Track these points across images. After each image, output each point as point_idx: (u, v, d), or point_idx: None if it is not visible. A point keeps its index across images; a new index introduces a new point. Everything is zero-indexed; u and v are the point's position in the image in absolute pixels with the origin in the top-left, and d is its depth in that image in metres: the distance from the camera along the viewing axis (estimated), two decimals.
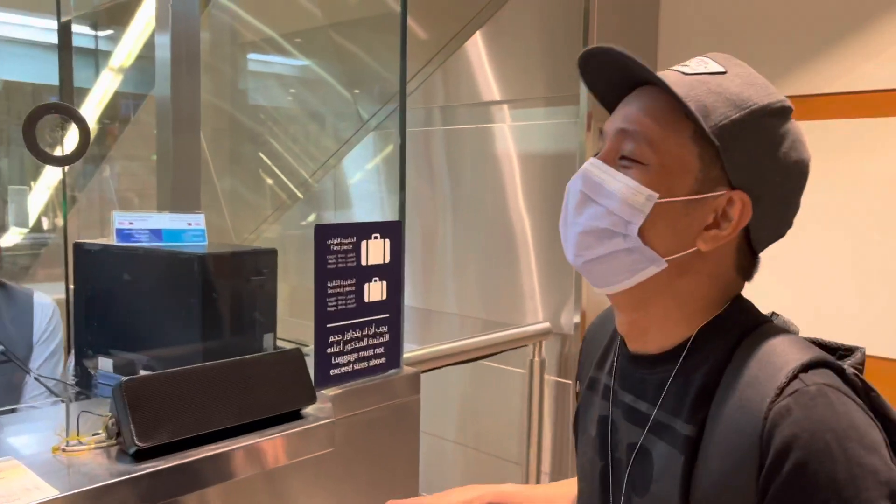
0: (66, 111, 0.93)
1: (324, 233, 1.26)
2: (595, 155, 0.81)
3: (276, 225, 3.49)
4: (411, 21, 2.85)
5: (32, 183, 4.18)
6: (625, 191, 0.75)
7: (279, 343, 1.50)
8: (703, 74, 0.76)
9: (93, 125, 4.52)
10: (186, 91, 1.78)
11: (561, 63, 2.35)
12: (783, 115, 0.76)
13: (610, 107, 0.84)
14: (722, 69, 0.77)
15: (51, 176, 4.36)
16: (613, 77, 0.80)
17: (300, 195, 3.38)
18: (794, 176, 0.77)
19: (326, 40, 3.39)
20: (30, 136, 0.88)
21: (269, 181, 3.57)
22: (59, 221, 4.49)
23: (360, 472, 1.31)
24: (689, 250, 0.76)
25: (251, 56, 3.87)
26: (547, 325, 2.19)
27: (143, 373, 1.44)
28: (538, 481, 2.25)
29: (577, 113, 2.20)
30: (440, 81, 2.77)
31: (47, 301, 1.75)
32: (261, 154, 3.62)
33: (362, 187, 3.17)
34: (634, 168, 0.76)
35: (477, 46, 2.65)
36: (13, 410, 1.57)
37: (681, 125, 0.74)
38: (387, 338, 1.39)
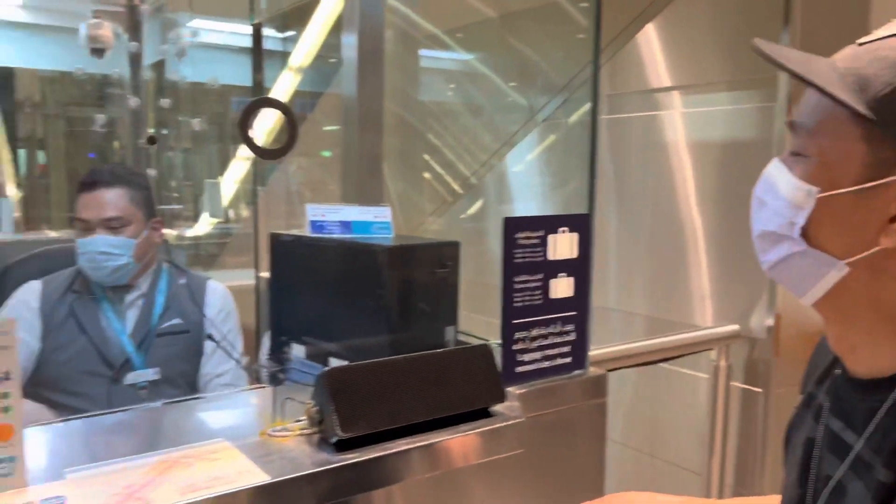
0: (279, 106, 0.95)
1: (512, 226, 1.23)
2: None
3: (441, 218, 3.53)
4: (578, 14, 2.76)
5: (220, 177, 4.53)
6: (787, 188, 0.68)
7: (459, 336, 1.50)
8: (877, 40, 0.65)
9: (273, 123, 4.82)
10: (371, 89, 1.82)
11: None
12: None
13: None
14: None
15: (235, 170, 4.70)
16: None
17: (464, 189, 3.40)
18: None
19: (494, 33, 3.37)
20: (244, 129, 0.91)
21: (436, 175, 3.61)
22: (244, 213, 4.84)
23: (544, 476, 1.27)
24: (873, 249, 0.65)
25: (420, 53, 3.94)
26: (735, 327, 2.03)
27: (332, 360, 1.49)
28: (721, 495, 2.10)
29: (774, 96, 2.02)
30: (606, 70, 2.67)
31: (220, 287, 1.87)
32: (427, 148, 3.68)
33: (525, 180, 3.13)
34: (799, 163, 0.69)
35: (647, 32, 2.52)
36: (195, 377, 1.70)
37: (839, 110, 0.65)
38: (573, 336, 1.34)
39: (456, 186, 3.44)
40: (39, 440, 1.02)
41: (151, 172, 3.94)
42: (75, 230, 1.68)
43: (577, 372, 1.34)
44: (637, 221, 2.52)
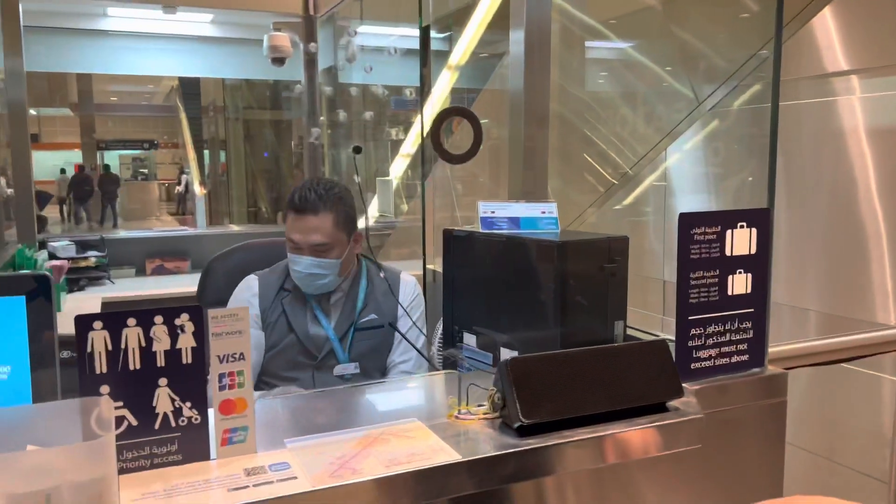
0: (465, 114, 1.02)
1: (688, 221, 1.23)
2: None
3: (601, 210, 3.51)
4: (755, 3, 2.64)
5: (393, 176, 4.77)
6: None
7: (628, 331, 1.51)
8: None
9: (429, 122, 4.99)
10: (538, 85, 1.86)
11: None
12: None
13: None
14: None
15: (395, 167, 4.92)
16: None
17: (625, 180, 3.36)
18: None
19: (659, 21, 3.29)
20: (435, 136, 0.99)
21: (595, 166, 3.59)
22: (404, 207, 5.06)
23: (720, 474, 1.27)
24: None
25: (577, 45, 3.92)
26: None
27: (503, 350, 1.56)
28: None
29: None
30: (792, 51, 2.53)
31: (411, 279, 1.98)
32: (586, 141, 3.66)
33: (690, 171, 3.04)
34: None
35: (822, 15, 2.37)
36: (384, 365, 1.83)
37: None
38: (750, 334, 1.32)
39: (615, 178, 3.40)
40: (262, 414, 1.17)
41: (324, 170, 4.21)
42: (287, 246, 1.82)
43: (754, 370, 1.32)
44: (810, 213, 2.39)
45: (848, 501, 0.94)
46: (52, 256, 3.48)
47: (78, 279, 3.61)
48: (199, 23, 4.19)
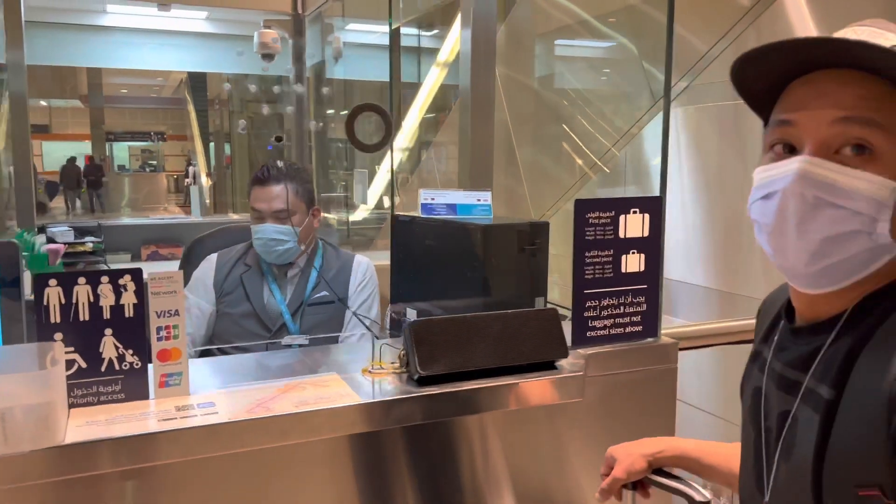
0: (376, 110, 1.20)
1: (583, 207, 1.40)
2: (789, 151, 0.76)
3: (571, 202, 3.66)
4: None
5: (377, 167, 4.95)
6: (869, 187, 0.70)
7: (550, 306, 1.68)
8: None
9: (421, 116, 5.16)
10: (483, 82, 2.03)
11: None
12: None
13: (757, 101, 0.81)
14: None
15: (389, 161, 5.09)
16: (784, 65, 0.76)
17: (595, 172, 3.51)
18: None
19: (630, 16, 3.44)
20: (350, 128, 1.16)
21: (567, 159, 3.75)
22: (398, 200, 5.23)
23: (613, 429, 1.43)
24: None
25: (559, 41, 4.08)
26: None
27: (421, 318, 1.73)
28: None
29: None
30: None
31: (365, 260, 2.17)
32: (559, 136, 3.82)
33: (655, 162, 3.19)
34: (865, 160, 0.71)
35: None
36: (336, 340, 2.02)
37: None
38: (644, 307, 1.48)
39: (584, 170, 3.56)
40: (205, 368, 1.35)
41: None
42: (252, 217, 2.05)
43: (648, 339, 1.49)
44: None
45: (680, 438, 1.11)
46: (50, 241, 3.68)
47: (75, 263, 3.81)
48: (194, 19, 4.38)
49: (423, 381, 1.22)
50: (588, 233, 1.41)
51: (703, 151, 3.00)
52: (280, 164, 2.04)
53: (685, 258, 3.05)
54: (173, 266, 3.98)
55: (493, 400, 1.24)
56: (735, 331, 1.82)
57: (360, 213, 5.04)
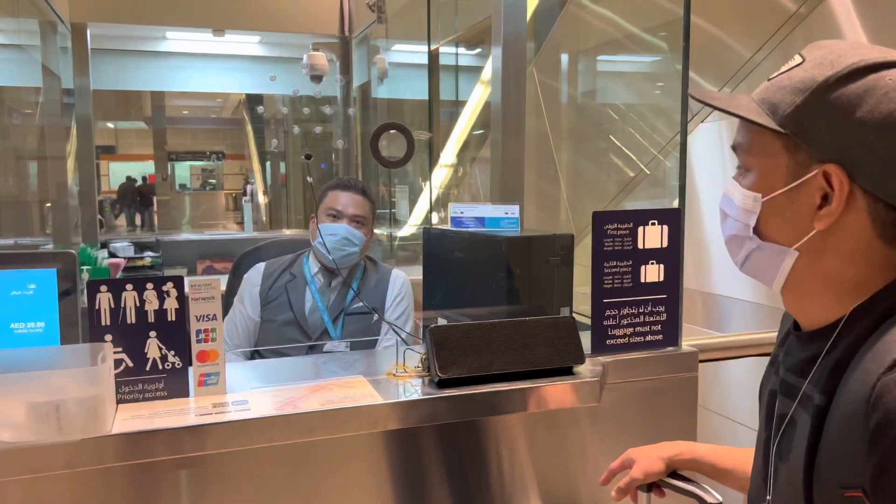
0: (399, 128, 1.28)
1: (601, 219, 1.45)
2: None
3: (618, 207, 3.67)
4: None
5: (424, 184, 5.05)
6: (739, 198, 0.85)
7: (575, 315, 1.73)
8: (781, 74, 0.83)
9: (466, 133, 5.25)
10: (513, 98, 2.09)
11: None
12: (854, 77, 0.76)
13: None
14: (800, 60, 0.82)
15: (435, 178, 5.20)
16: None
17: (633, 186, 3.53)
18: (890, 127, 0.76)
19: (671, 29, 3.45)
20: (374, 145, 1.24)
21: (610, 171, 3.78)
22: (444, 215, 5.32)
23: (634, 436, 1.47)
24: (811, 233, 0.81)
25: (602, 56, 4.11)
26: None
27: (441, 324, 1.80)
28: None
29: None
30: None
31: (401, 274, 2.26)
32: (597, 152, 3.85)
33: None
34: (744, 176, 0.86)
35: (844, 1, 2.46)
36: (373, 346, 2.12)
37: (761, 128, 0.82)
38: (664, 316, 1.52)
39: (622, 185, 3.58)
40: (244, 370, 1.45)
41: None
42: (325, 215, 2.15)
43: (669, 348, 1.52)
44: None
45: (697, 443, 1.15)
46: (111, 255, 3.90)
47: (135, 276, 4.01)
48: (248, 43, 4.59)
49: (442, 384, 1.28)
50: (606, 243, 1.45)
51: None
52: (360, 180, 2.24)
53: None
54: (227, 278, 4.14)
55: (509, 403, 1.30)
56: (757, 343, 1.83)
57: (408, 229, 5.15)
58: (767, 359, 2.02)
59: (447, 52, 4.54)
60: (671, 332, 1.53)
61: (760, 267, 0.87)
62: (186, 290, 1.21)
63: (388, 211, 5.04)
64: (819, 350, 0.83)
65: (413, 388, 1.29)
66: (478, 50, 4.75)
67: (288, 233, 7.02)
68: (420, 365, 1.35)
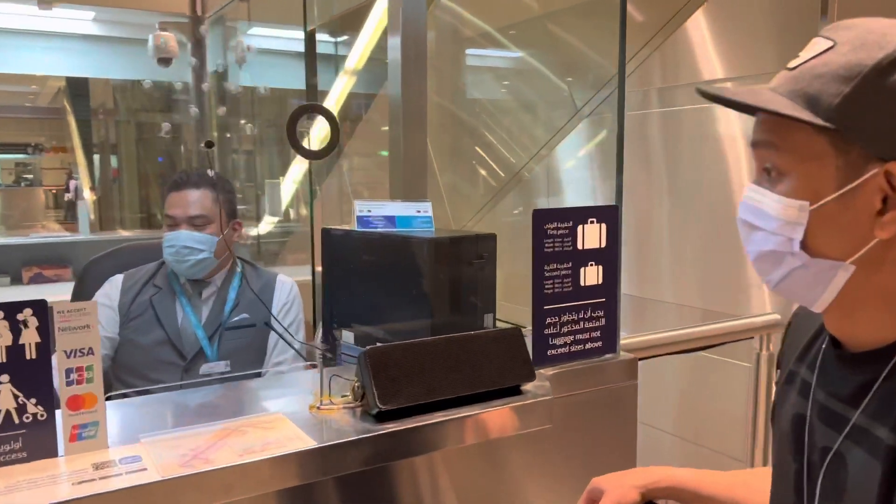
0: (321, 111, 1.06)
1: (541, 217, 1.31)
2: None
3: (490, 213, 3.61)
4: (629, 5, 2.79)
5: (281, 178, 4.73)
6: (777, 207, 0.73)
7: (498, 324, 1.58)
8: (809, 61, 0.72)
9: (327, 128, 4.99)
10: (415, 90, 1.91)
11: (798, 32, 2.18)
12: None
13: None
14: (830, 43, 0.71)
15: (295, 171, 4.89)
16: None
17: (514, 184, 3.47)
18: None
19: (541, 30, 3.43)
20: (291, 133, 1.02)
21: (485, 172, 3.70)
22: (304, 212, 5.02)
23: (577, 452, 1.35)
24: (871, 243, 0.70)
25: (469, 51, 4.03)
26: (776, 316, 2.06)
27: (378, 344, 1.59)
28: None
29: None
30: (657, 62, 2.69)
31: (288, 280, 2.01)
32: (477, 146, 3.76)
33: (574, 174, 3.18)
34: (778, 181, 0.73)
35: (698, 23, 2.54)
36: (258, 375, 1.85)
37: (798, 123, 0.70)
38: (603, 322, 1.41)
39: (507, 178, 3.51)
40: (119, 412, 1.16)
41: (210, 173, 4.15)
42: (165, 225, 1.86)
43: (608, 356, 1.41)
44: (691, 214, 2.55)
45: (674, 467, 1.04)
46: None
47: None
48: (79, 20, 4.03)
49: (382, 417, 1.08)
50: (547, 245, 1.32)
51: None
52: (201, 171, 1.91)
53: (639, 273, 3.03)
54: (64, 289, 3.62)
55: (461, 433, 1.12)
56: (687, 339, 1.79)
57: (264, 227, 4.81)
58: (691, 355, 1.99)
59: (301, 39, 4.26)
60: (610, 339, 1.42)
61: (803, 285, 0.74)
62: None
63: (246, 207, 4.67)
64: (874, 376, 0.72)
65: (345, 425, 1.08)
66: (343, 37, 4.51)
67: (125, 234, 6.39)
68: (350, 394, 1.14)
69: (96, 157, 11.40)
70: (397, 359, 1.11)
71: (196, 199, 1.82)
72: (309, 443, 1.00)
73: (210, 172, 1.68)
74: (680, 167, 2.60)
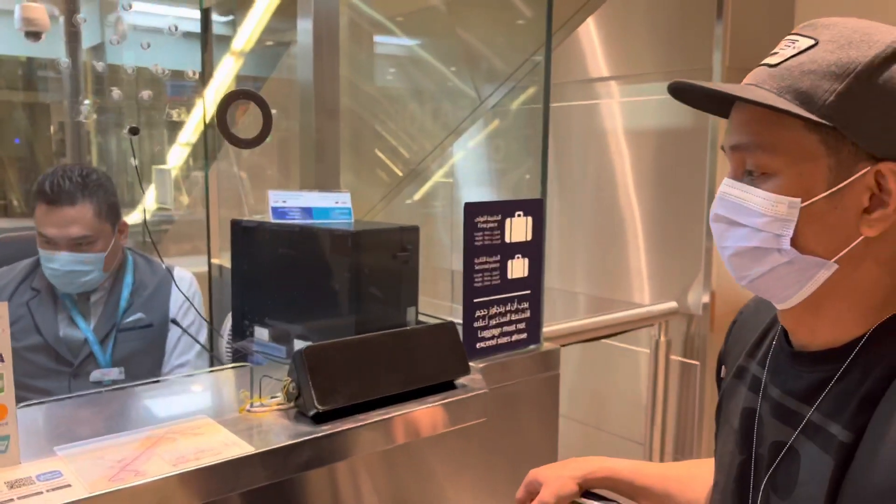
0: (254, 98, 1.00)
1: (472, 210, 1.31)
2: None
3: (391, 205, 3.59)
4: (522, 4, 2.85)
5: (154, 166, 4.46)
6: (765, 204, 0.72)
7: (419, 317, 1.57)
8: (792, 58, 0.71)
9: (214, 108, 4.76)
10: (327, 75, 1.85)
11: (689, 36, 2.30)
12: None
13: (724, 114, 0.81)
14: (812, 41, 0.71)
15: (173, 158, 4.63)
16: (710, 96, 0.78)
17: (412, 176, 3.46)
18: None
19: (443, 21, 3.43)
20: (222, 120, 0.96)
21: (385, 162, 3.66)
22: (184, 199, 4.77)
23: (505, 444, 1.36)
24: (856, 241, 0.70)
25: (364, 40, 3.96)
26: (674, 304, 2.17)
27: (297, 342, 1.53)
28: (661, 462, 2.24)
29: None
30: (553, 69, 2.77)
31: (187, 274, 1.88)
32: (375, 139, 3.72)
33: (476, 166, 3.21)
34: (765, 180, 0.72)
35: (586, 23, 2.63)
36: (157, 381, 1.72)
37: (788, 121, 0.70)
38: (528, 314, 1.43)
39: (404, 172, 3.49)
40: (23, 424, 1.05)
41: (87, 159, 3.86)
42: (38, 241, 1.63)
43: (532, 347, 1.43)
44: (578, 206, 2.64)
45: (611, 458, 1.07)
46: None
47: None
48: None
49: (319, 418, 1.04)
50: (477, 238, 1.32)
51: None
52: (77, 173, 1.61)
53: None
54: None
55: (400, 430, 1.10)
56: (596, 327, 1.85)
57: (139, 216, 4.53)
58: (591, 343, 2.06)
59: (189, 18, 4.04)
60: (534, 330, 1.44)
61: (781, 283, 0.74)
62: None
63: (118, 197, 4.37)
64: (829, 374, 0.73)
65: (280, 427, 1.03)
66: (229, 17, 4.31)
67: None
68: (281, 395, 1.09)
69: None
70: (334, 357, 1.07)
71: (75, 218, 1.58)
72: (246, 448, 0.95)
73: (133, 162, 1.52)
74: (568, 161, 2.69)
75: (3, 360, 0.85)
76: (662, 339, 2.14)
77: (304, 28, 1.86)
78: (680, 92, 0.79)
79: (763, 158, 0.72)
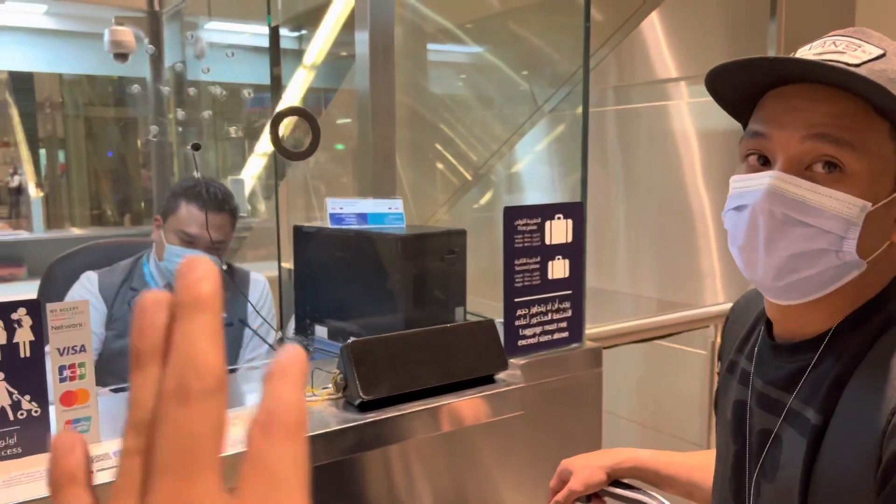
0: (303, 114, 1.10)
1: (512, 214, 1.37)
2: (764, 166, 0.75)
3: (452, 209, 3.67)
4: (573, 9, 2.88)
5: (240, 174, 4.69)
6: (837, 206, 0.69)
7: (468, 317, 1.64)
8: (871, 62, 0.70)
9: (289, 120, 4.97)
10: (383, 84, 1.95)
11: (749, 34, 2.28)
12: None
13: (736, 113, 0.81)
14: (880, 51, 0.71)
15: (252, 167, 4.85)
16: (755, 79, 0.76)
17: (475, 180, 3.54)
18: None
19: (502, 27, 3.49)
20: (274, 134, 1.06)
21: (446, 168, 3.75)
22: (261, 208, 4.99)
23: (546, 438, 1.42)
24: (884, 246, 0.73)
25: (430, 48, 4.07)
26: (729, 305, 2.16)
27: (352, 339, 1.64)
28: None
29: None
30: (613, 62, 2.78)
31: (261, 278, 2.03)
32: (438, 143, 3.81)
33: (535, 170, 3.26)
34: (836, 178, 0.70)
35: (653, 23, 2.63)
36: (233, 371, 1.86)
37: (878, 124, 0.70)
38: (569, 313, 1.48)
39: (469, 174, 3.57)
40: (109, 408, 1.18)
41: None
42: (175, 237, 1.78)
43: (574, 345, 1.49)
44: (647, 208, 2.64)
45: (638, 449, 1.11)
46: None
47: None
48: (31, 14, 3.95)
49: (364, 407, 1.13)
50: (517, 240, 1.38)
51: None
52: (221, 188, 1.83)
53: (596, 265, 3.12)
54: (21, 288, 3.55)
55: (439, 420, 1.18)
56: (646, 328, 1.88)
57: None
58: (647, 344, 2.08)
59: (263, 35, 4.24)
60: (576, 329, 1.49)
61: (817, 283, 0.74)
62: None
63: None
64: (805, 363, 0.77)
65: (329, 415, 1.13)
66: (300, 32, 4.50)
67: (77, 232, 6.25)
68: (331, 386, 1.18)
69: (41, 153, 11.07)
70: (378, 351, 1.16)
71: (220, 224, 1.78)
72: None
73: (196, 174, 1.67)
74: (635, 163, 2.70)
75: (84, 351, 0.97)
76: (718, 340, 2.13)
77: (361, 39, 1.97)
78: (721, 82, 0.77)
79: (850, 157, 0.70)
